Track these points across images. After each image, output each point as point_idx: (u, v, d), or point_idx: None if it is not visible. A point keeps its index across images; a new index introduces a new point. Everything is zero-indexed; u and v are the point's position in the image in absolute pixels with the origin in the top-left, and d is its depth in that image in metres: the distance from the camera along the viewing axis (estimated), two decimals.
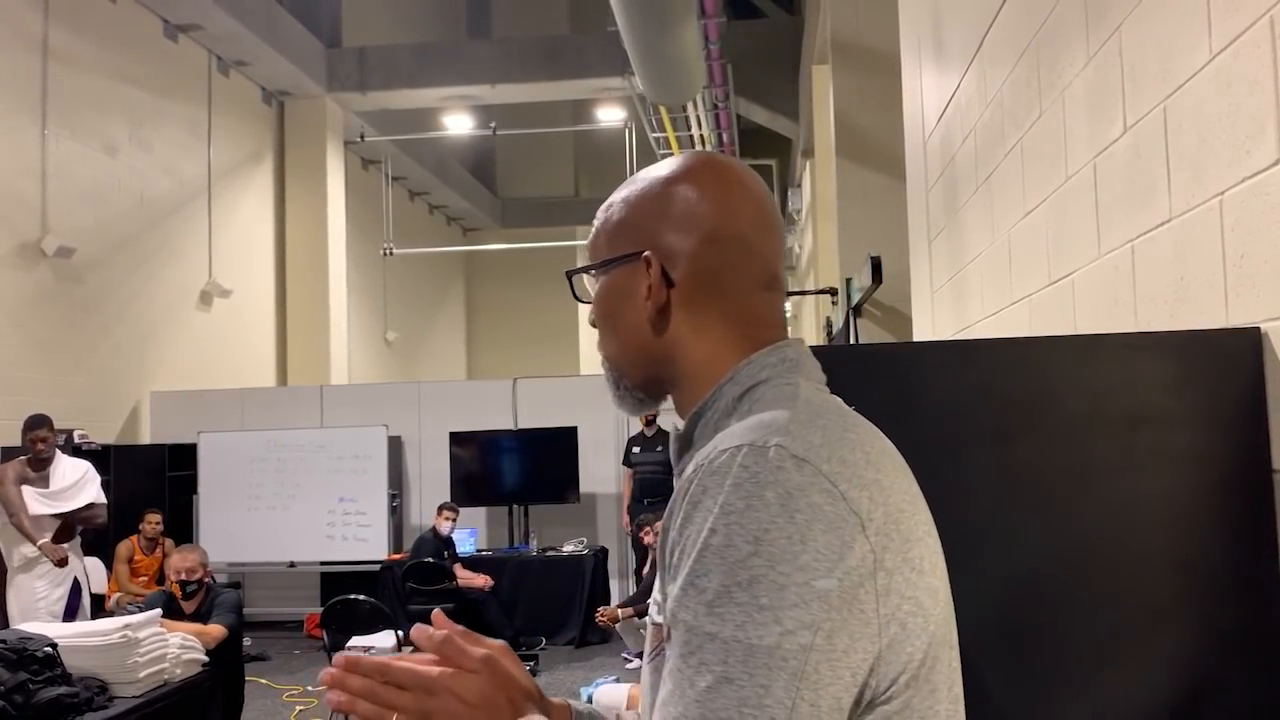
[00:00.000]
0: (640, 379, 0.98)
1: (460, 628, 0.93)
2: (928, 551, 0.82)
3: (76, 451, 7.95)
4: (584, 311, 1.07)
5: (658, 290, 0.93)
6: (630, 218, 0.97)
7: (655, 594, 0.92)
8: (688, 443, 0.93)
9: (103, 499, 6.12)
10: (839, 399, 0.91)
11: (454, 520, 8.42)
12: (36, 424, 5.88)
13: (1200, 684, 1.48)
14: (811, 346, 1.66)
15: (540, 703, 0.92)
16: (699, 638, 0.74)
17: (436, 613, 0.97)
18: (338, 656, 0.93)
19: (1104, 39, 2.11)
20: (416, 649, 0.94)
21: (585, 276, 1.02)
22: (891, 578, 0.77)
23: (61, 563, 5.78)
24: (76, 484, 5.99)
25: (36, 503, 5.83)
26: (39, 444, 5.83)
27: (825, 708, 0.73)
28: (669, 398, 1.00)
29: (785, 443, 0.78)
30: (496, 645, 0.92)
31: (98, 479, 6.15)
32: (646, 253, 0.94)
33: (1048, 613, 1.51)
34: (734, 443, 0.79)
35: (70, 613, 5.84)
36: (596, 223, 1.01)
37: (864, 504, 0.77)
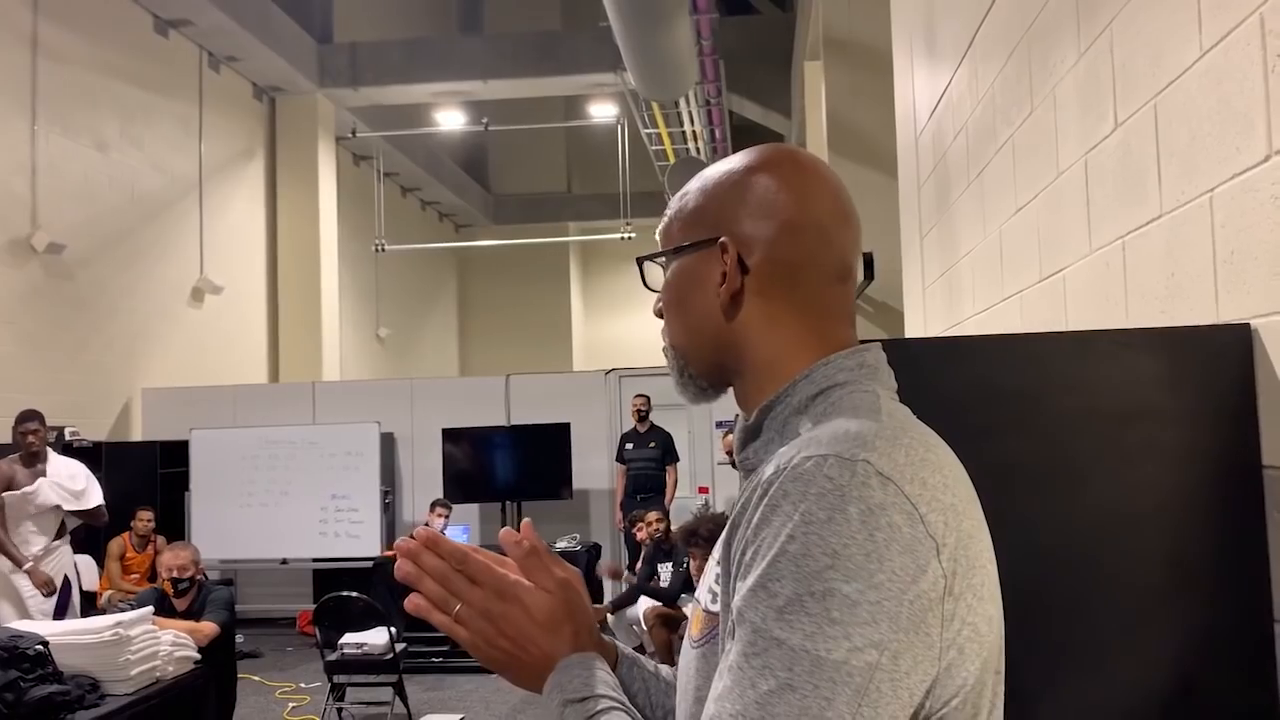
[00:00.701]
0: (705, 367, 0.97)
1: (545, 545, 0.95)
2: (988, 579, 0.82)
3: (68, 449, 7.92)
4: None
5: (733, 276, 0.92)
6: (707, 204, 0.96)
7: (710, 583, 0.91)
8: (754, 434, 0.94)
9: (100, 500, 6.13)
10: (909, 410, 0.91)
11: (447, 517, 8.41)
12: (27, 417, 5.87)
13: (1190, 677, 1.49)
14: None
15: (597, 641, 0.96)
16: (765, 641, 0.74)
17: (526, 522, 0.98)
18: (419, 529, 0.96)
19: (1095, 35, 2.11)
20: (502, 551, 0.96)
21: (655, 265, 1.01)
22: (957, 603, 0.77)
23: (52, 593, 5.75)
24: (87, 486, 5.99)
25: (52, 492, 5.81)
26: (30, 436, 5.81)
27: None
28: (730, 390, 0.99)
29: (872, 459, 0.78)
30: (573, 572, 0.95)
31: (94, 480, 6.14)
32: (723, 238, 0.93)
33: (1038, 608, 1.52)
34: (819, 451, 0.79)
35: (61, 610, 5.83)
36: (670, 211, 1.00)
37: (940, 528, 0.77)
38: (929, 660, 0.75)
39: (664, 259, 0.99)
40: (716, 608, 0.86)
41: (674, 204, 1.01)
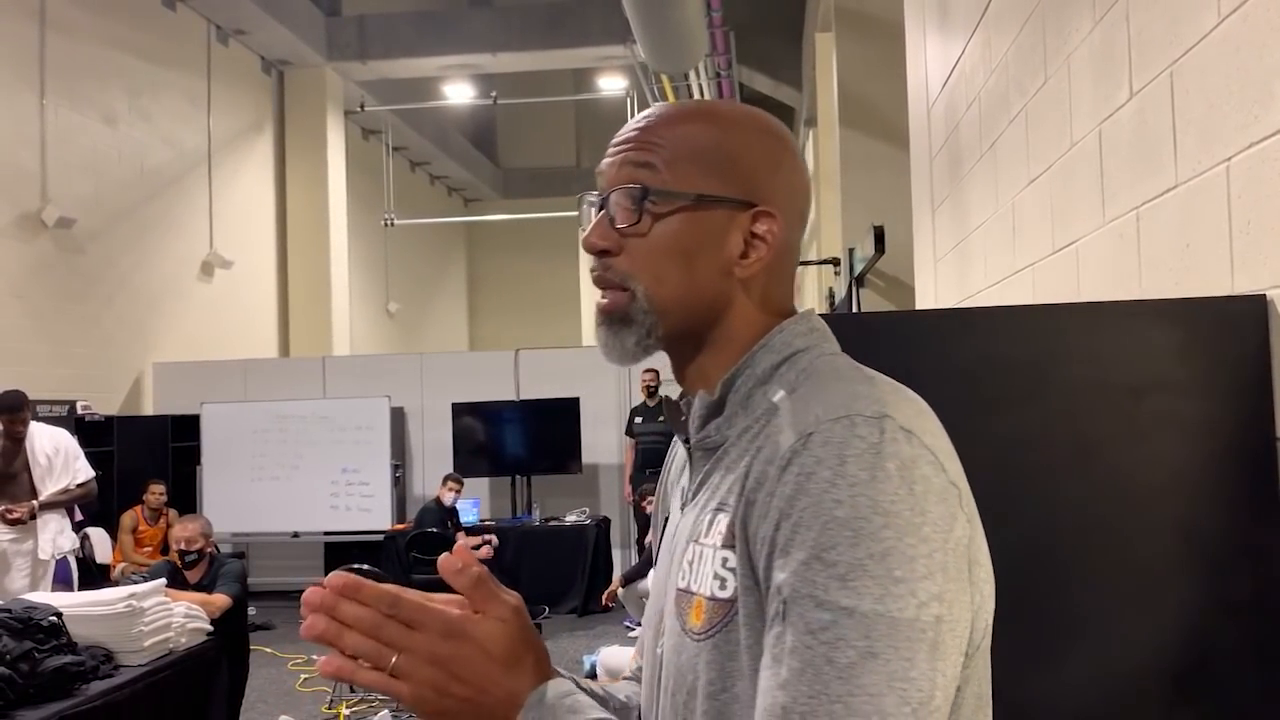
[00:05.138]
0: (679, 332, 0.90)
1: (484, 568, 0.82)
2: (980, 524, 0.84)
3: (80, 423, 7.95)
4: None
5: (769, 252, 0.89)
6: (739, 157, 0.89)
7: (715, 569, 0.83)
8: (718, 409, 0.89)
9: (91, 472, 5.92)
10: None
11: (458, 491, 8.45)
12: (15, 407, 5.53)
13: (1203, 650, 1.49)
14: None
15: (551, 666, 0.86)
16: (833, 612, 0.71)
17: (461, 545, 0.92)
18: (333, 575, 0.78)
19: (1111, 2, 2.08)
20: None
21: (621, 195, 0.88)
22: (977, 550, 0.79)
23: (14, 522, 5.41)
24: (66, 461, 5.79)
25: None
26: (19, 425, 5.54)
27: (949, 677, 0.73)
28: (654, 354, 0.93)
29: (894, 414, 0.76)
30: (517, 597, 0.83)
31: (80, 452, 5.87)
32: (765, 208, 0.88)
33: (1051, 581, 1.51)
34: (838, 414, 0.76)
35: (61, 587, 5.73)
36: (660, 137, 0.89)
37: (957, 475, 0.78)
38: (969, 606, 0.76)
39: (670, 199, 0.87)
40: (727, 594, 0.81)
41: (668, 128, 0.90)
